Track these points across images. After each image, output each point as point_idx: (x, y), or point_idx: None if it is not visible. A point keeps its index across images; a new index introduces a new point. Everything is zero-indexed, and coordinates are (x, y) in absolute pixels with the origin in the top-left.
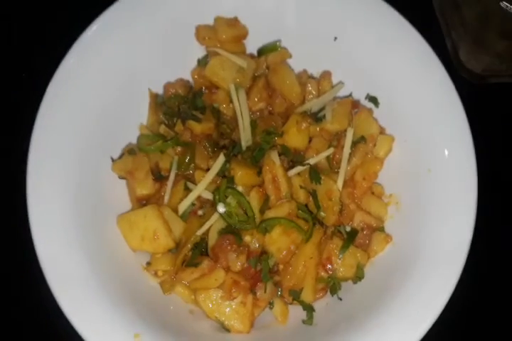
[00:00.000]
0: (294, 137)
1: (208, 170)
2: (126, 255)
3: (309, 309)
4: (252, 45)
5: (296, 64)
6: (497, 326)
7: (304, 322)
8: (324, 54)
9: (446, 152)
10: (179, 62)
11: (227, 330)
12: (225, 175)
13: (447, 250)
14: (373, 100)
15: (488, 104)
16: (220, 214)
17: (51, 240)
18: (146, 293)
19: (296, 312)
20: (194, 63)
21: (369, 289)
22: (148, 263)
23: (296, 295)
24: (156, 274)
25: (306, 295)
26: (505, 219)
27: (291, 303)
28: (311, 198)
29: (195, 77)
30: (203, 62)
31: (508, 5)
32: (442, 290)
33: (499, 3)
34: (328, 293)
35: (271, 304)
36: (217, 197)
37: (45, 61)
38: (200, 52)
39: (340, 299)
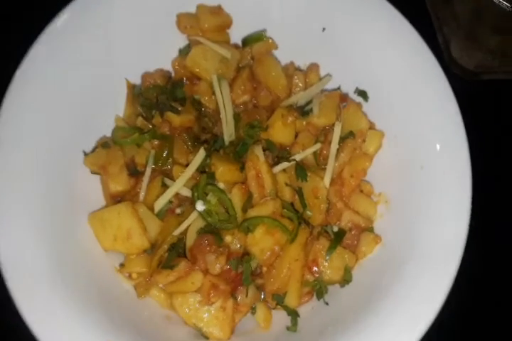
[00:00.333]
0: (280, 131)
1: (187, 165)
2: (97, 256)
3: (294, 314)
4: (236, 35)
5: (283, 56)
6: (494, 329)
7: (288, 328)
8: (312, 46)
9: (440, 148)
10: (159, 52)
11: (206, 337)
12: (205, 171)
13: (440, 250)
14: (362, 94)
15: (481, 101)
16: (199, 213)
17: (13, 239)
18: (118, 296)
19: (280, 317)
20: (175, 53)
21: (357, 292)
22: (122, 265)
23: (280, 300)
24: (130, 277)
25: (291, 300)
26: (500, 216)
27: (274, 308)
28: (296, 196)
29: (176, 67)
30: (184, 52)
31: (501, 0)
32: (435, 293)
33: None
34: (314, 297)
35: (253, 309)
36: (196, 194)
37: (13, 49)
38: (181, 42)
39: (327, 303)
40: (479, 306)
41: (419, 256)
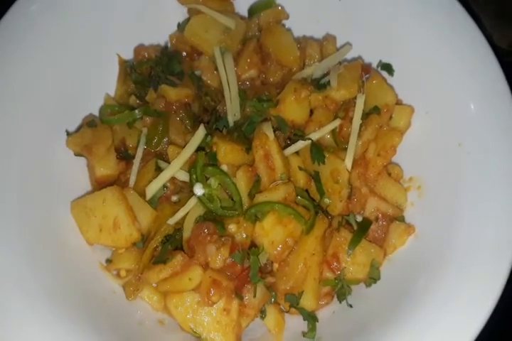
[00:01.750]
0: (292, 107)
1: (185, 147)
2: (81, 251)
3: (311, 318)
4: (242, 7)
5: (294, 28)
6: None
7: (304, 335)
8: (327, 16)
9: (483, 121)
10: (156, 27)
11: None
12: (205, 151)
13: (487, 244)
14: (387, 67)
15: None
16: (199, 198)
17: None
18: (105, 298)
19: (295, 323)
20: (174, 29)
21: (386, 294)
22: (109, 261)
23: (294, 301)
24: (118, 275)
25: (307, 301)
26: None
27: (287, 311)
28: (312, 183)
29: (174, 41)
30: (183, 27)
31: None
32: (484, 296)
33: None
34: (335, 299)
35: (262, 312)
36: (194, 176)
37: None
38: (181, 16)
39: (351, 306)
40: None
41: (461, 252)
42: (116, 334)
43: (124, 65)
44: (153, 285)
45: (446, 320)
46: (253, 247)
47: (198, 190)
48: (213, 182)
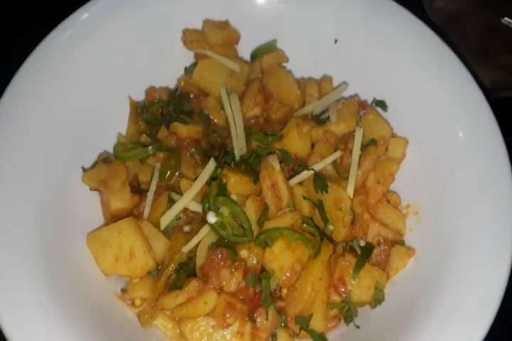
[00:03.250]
0: (295, 141)
1: (196, 179)
2: (97, 281)
3: (321, 340)
4: (244, 52)
5: (293, 70)
6: None
7: None
8: (323, 58)
9: (472, 148)
10: (164, 71)
11: None
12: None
13: (484, 263)
14: (381, 104)
15: (500, 119)
16: (211, 226)
17: (3, 262)
18: (120, 326)
19: None
20: (181, 72)
21: (390, 313)
22: (124, 290)
23: (304, 323)
24: (132, 304)
25: (317, 323)
26: None
27: (297, 334)
28: (316, 211)
29: (182, 84)
30: (190, 70)
31: (510, 21)
32: (482, 313)
33: (501, 20)
34: (343, 322)
35: (273, 336)
36: (207, 205)
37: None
38: (187, 60)
39: (358, 327)
40: None
41: (459, 272)
42: None
43: (134, 105)
44: (167, 312)
45: (446, 336)
46: (264, 272)
47: (211, 218)
48: (225, 210)
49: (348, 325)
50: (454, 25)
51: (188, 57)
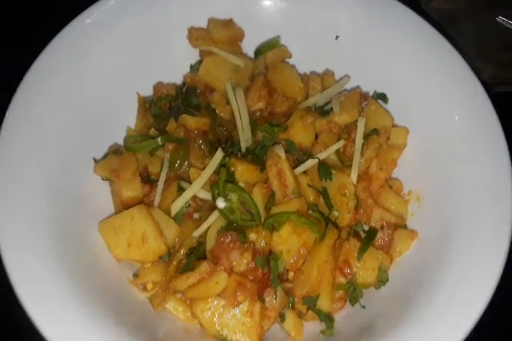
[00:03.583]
0: (299, 132)
1: (204, 168)
2: (109, 266)
3: (328, 319)
4: (248, 50)
5: (297, 66)
6: None
7: (322, 332)
8: (325, 55)
9: (471, 134)
10: (170, 69)
11: None
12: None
13: (484, 244)
14: (382, 96)
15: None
16: (221, 211)
17: (22, 250)
18: (132, 309)
19: (312, 328)
20: (187, 70)
21: (394, 294)
22: (136, 275)
23: (311, 303)
24: (144, 288)
25: (324, 302)
26: None
27: (305, 314)
28: (321, 198)
29: (188, 81)
30: (195, 68)
31: (505, 19)
32: (480, 293)
33: (496, 18)
34: (348, 304)
35: (282, 317)
36: (216, 191)
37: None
38: (193, 58)
39: (363, 307)
40: None
41: (460, 252)
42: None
43: (142, 101)
44: (178, 296)
45: (448, 313)
46: (272, 254)
47: (221, 203)
48: (233, 196)
49: (353, 306)
50: (451, 24)
51: (193, 56)
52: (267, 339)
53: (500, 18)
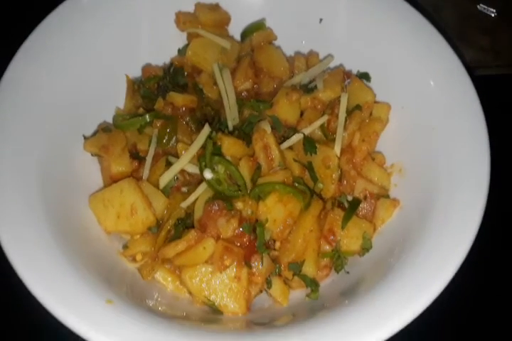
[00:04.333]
0: (285, 108)
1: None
2: (99, 238)
3: (313, 284)
4: (235, 33)
5: (282, 48)
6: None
7: (307, 295)
8: (310, 36)
9: (450, 107)
10: (158, 53)
11: (219, 312)
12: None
13: (461, 211)
14: (364, 76)
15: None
16: (208, 182)
17: (13, 225)
18: (122, 279)
19: (298, 295)
20: (174, 53)
21: (378, 259)
22: (125, 246)
23: (296, 269)
24: (134, 260)
25: (309, 268)
26: None
27: (291, 280)
28: (306, 172)
29: (176, 63)
30: (183, 51)
31: (485, 7)
32: (453, 255)
33: (477, 6)
34: (333, 271)
35: (268, 283)
36: (203, 163)
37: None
38: (180, 42)
39: (348, 272)
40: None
41: (440, 218)
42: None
43: (131, 83)
44: (167, 266)
45: (422, 274)
46: (258, 221)
47: (208, 174)
48: (220, 168)
49: (338, 273)
50: (435, 13)
51: (181, 40)
52: (255, 305)
53: (481, 6)
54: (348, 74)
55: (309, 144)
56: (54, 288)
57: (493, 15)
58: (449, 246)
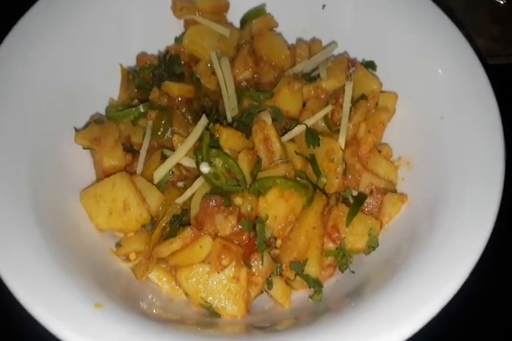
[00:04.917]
0: (287, 98)
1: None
2: (91, 236)
3: (316, 284)
4: (234, 20)
5: (283, 35)
6: None
7: (310, 297)
8: (312, 24)
9: (462, 96)
10: (154, 41)
11: (217, 315)
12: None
13: (474, 204)
14: (370, 64)
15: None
16: (205, 176)
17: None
18: (116, 279)
19: (300, 296)
20: (171, 42)
21: (384, 258)
22: (118, 245)
23: (299, 269)
24: (127, 259)
25: (312, 267)
26: None
27: (293, 280)
28: (309, 166)
29: (172, 52)
30: (180, 40)
31: None
32: (466, 256)
33: None
34: (338, 270)
35: (269, 284)
36: (200, 156)
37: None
38: (177, 30)
39: (353, 272)
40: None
41: (450, 213)
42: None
43: (126, 73)
44: (163, 266)
45: (436, 272)
46: (258, 218)
47: (205, 167)
48: (218, 161)
49: (343, 272)
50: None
51: (178, 27)
52: (255, 307)
53: None
54: (352, 62)
55: (312, 136)
56: (39, 290)
57: (502, 2)
58: (461, 245)
